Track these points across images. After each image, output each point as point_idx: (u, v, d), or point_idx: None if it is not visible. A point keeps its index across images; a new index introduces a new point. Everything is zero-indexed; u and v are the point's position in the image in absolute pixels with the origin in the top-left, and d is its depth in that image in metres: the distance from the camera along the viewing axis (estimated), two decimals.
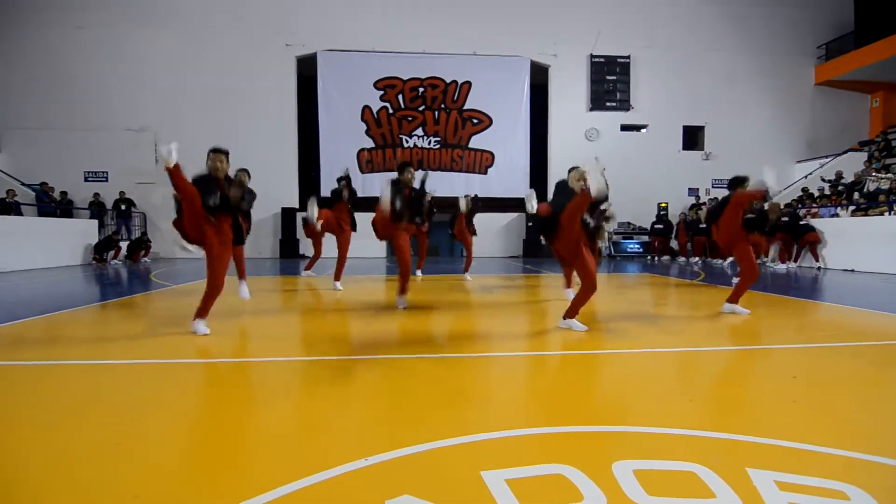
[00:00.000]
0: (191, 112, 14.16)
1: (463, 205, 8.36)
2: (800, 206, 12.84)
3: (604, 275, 9.48)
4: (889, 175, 12.05)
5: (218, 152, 4.01)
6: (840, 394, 2.67)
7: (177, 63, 14.16)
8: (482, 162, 15.49)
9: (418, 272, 8.86)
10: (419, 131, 15.31)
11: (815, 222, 11.23)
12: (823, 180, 13.82)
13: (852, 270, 9.95)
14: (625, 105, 15.48)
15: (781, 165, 16.14)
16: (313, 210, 6.32)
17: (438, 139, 15.35)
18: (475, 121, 15.41)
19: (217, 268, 3.96)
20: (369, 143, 15.13)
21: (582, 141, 15.51)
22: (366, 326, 4.51)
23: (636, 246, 15.08)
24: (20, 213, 11.44)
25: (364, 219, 7.03)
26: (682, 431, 2.07)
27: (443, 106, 15.31)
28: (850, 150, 15.03)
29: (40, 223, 11.54)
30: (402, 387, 2.78)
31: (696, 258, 13.31)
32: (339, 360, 3.42)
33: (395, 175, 5.38)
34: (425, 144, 15.35)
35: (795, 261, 11.10)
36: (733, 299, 4.99)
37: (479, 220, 9.10)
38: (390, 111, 15.18)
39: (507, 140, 15.46)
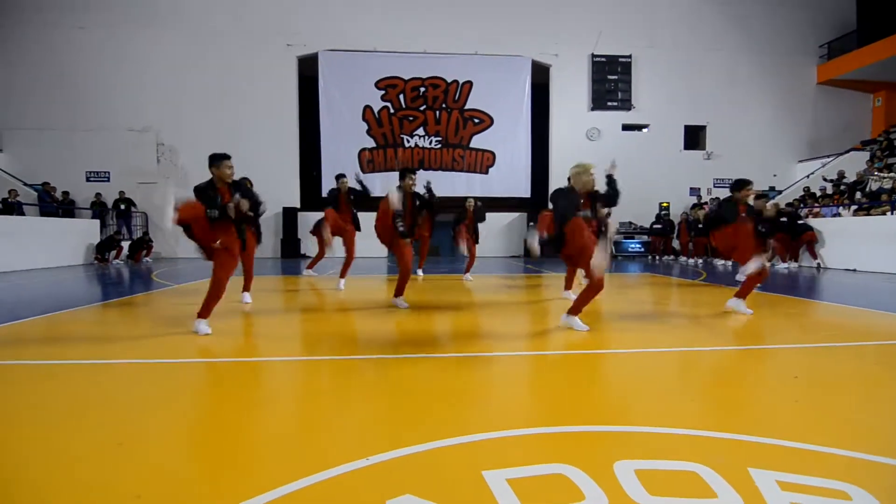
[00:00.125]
0: (192, 112, 14.19)
1: (471, 204, 8.35)
2: (801, 205, 12.81)
3: (605, 274, 9.44)
4: (892, 174, 12.02)
5: (226, 158, 4.01)
6: (842, 394, 2.67)
7: (178, 63, 14.19)
8: (483, 162, 15.48)
9: (419, 272, 8.86)
10: (420, 131, 15.32)
11: (816, 222, 11.21)
12: (825, 180, 13.79)
13: (854, 270, 9.93)
14: (626, 105, 15.46)
15: (783, 165, 16.14)
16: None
17: (439, 139, 15.35)
18: (476, 120, 15.41)
19: (219, 274, 3.98)
20: (370, 143, 15.14)
21: (583, 140, 15.50)
22: (366, 326, 4.52)
23: (637, 246, 15.08)
24: (22, 213, 11.46)
25: (365, 218, 7.06)
26: (683, 431, 2.06)
27: (444, 106, 15.31)
28: (853, 149, 15.00)
29: (42, 223, 11.56)
30: (402, 386, 2.78)
31: (696, 258, 13.28)
32: (339, 359, 3.42)
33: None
34: (426, 144, 15.35)
35: (796, 260, 11.08)
36: (741, 295, 4.97)
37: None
38: (391, 111, 15.19)
39: (508, 140, 15.46)
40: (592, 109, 15.52)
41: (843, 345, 3.69)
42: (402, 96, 15.20)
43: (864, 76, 15.36)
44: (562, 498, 1.56)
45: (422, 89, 15.22)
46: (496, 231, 15.18)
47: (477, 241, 8.43)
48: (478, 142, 15.45)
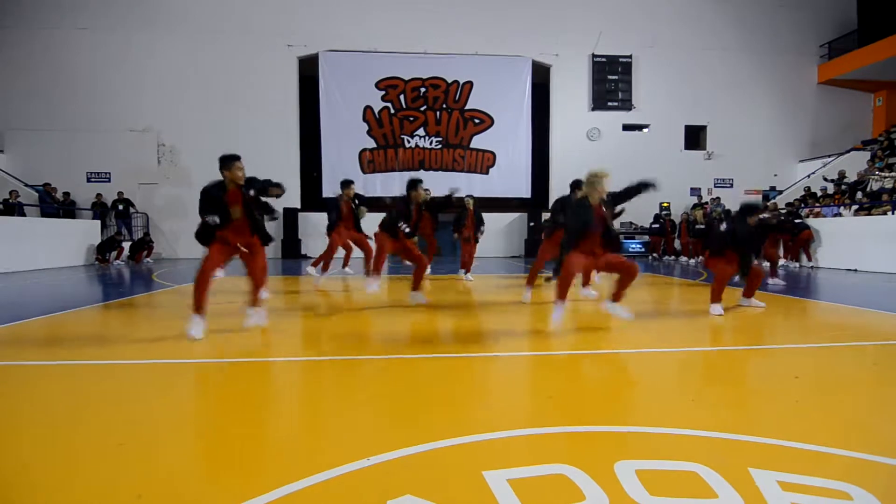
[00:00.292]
0: (193, 113, 14.20)
1: (470, 202, 8.34)
2: (802, 205, 12.80)
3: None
4: (893, 174, 12.00)
5: (236, 160, 3.94)
6: (843, 394, 2.67)
7: (179, 64, 14.20)
8: (484, 162, 15.48)
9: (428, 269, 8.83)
10: (421, 131, 15.32)
11: (816, 222, 11.19)
12: (826, 179, 13.77)
13: (855, 270, 9.92)
14: (626, 105, 15.46)
15: (784, 164, 16.13)
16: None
17: (440, 139, 15.35)
18: (477, 121, 15.41)
19: (203, 262, 3.95)
20: (371, 144, 15.14)
21: (584, 140, 15.50)
22: (367, 326, 4.52)
23: (637, 245, 15.07)
24: (23, 214, 11.48)
25: (365, 222, 7.09)
26: (684, 431, 2.06)
27: (444, 106, 15.31)
28: (853, 149, 14.98)
29: (43, 224, 11.57)
30: (403, 387, 2.78)
31: (697, 258, 13.26)
32: (339, 360, 3.42)
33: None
34: (427, 144, 15.35)
35: (796, 260, 11.07)
36: (748, 294, 5.26)
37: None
38: (392, 111, 15.19)
39: (508, 140, 15.45)
40: (593, 109, 15.52)
41: (843, 345, 3.69)
42: (402, 97, 15.20)
43: (865, 76, 15.34)
44: (562, 498, 1.56)
45: (422, 90, 15.22)
46: (496, 231, 15.16)
47: (477, 241, 8.43)
48: (478, 142, 15.45)
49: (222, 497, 1.59)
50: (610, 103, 15.42)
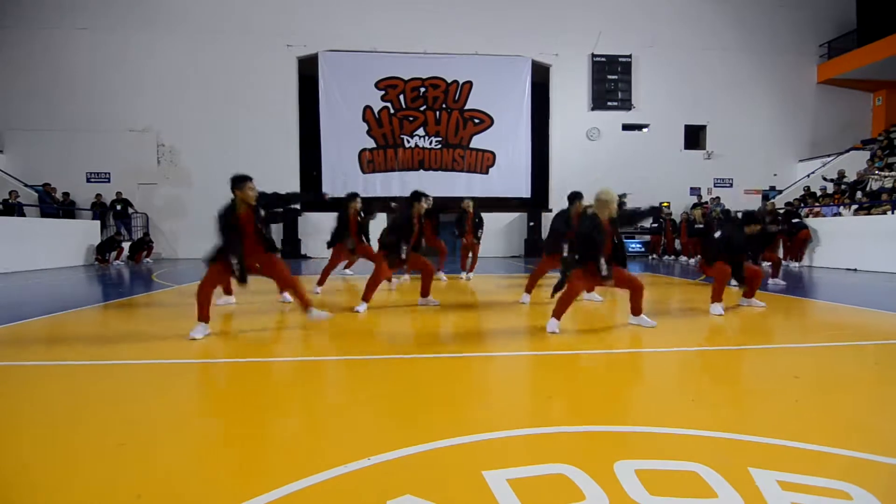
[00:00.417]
0: (192, 113, 14.18)
1: (468, 205, 8.35)
2: (802, 205, 12.80)
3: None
4: (892, 174, 12.01)
5: (248, 180, 4.01)
6: (843, 393, 2.67)
7: (179, 64, 14.19)
8: (483, 162, 15.48)
9: (440, 273, 8.73)
10: (420, 131, 15.31)
11: (816, 222, 11.19)
12: (826, 179, 13.78)
13: (855, 269, 9.92)
14: (626, 104, 15.45)
15: (783, 164, 16.13)
16: None
17: (440, 139, 15.35)
18: (476, 121, 15.41)
19: (203, 281, 4.07)
20: (370, 144, 15.13)
21: (583, 140, 15.50)
22: (367, 327, 4.52)
23: (637, 245, 15.08)
24: (23, 214, 11.47)
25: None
26: (683, 431, 2.07)
27: (444, 106, 15.30)
28: (853, 148, 14.98)
29: (43, 224, 11.57)
30: (403, 386, 2.78)
31: (697, 257, 13.26)
32: (340, 360, 3.42)
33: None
34: (426, 144, 15.35)
35: (796, 260, 11.07)
36: (749, 294, 5.36)
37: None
38: (391, 111, 15.18)
39: (508, 140, 15.45)
40: (592, 109, 15.51)
41: (843, 344, 3.69)
42: (402, 97, 15.20)
43: (865, 75, 15.34)
44: (562, 498, 1.56)
45: (422, 89, 15.22)
46: (496, 231, 15.16)
47: (478, 241, 8.43)
48: (478, 142, 15.45)
49: (222, 497, 1.59)
50: (610, 103, 15.41)
